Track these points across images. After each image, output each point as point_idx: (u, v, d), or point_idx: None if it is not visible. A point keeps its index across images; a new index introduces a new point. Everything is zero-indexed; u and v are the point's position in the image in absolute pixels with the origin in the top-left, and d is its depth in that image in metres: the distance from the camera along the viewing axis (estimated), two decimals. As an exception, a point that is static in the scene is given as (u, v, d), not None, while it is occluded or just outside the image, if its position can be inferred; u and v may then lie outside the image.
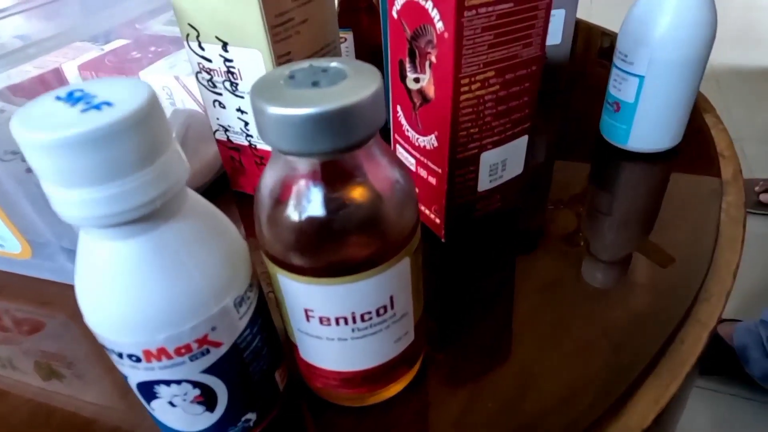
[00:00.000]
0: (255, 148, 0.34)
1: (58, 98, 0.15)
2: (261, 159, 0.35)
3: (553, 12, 0.43)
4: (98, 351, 0.27)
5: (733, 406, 0.93)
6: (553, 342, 0.26)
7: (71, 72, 0.42)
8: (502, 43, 0.26)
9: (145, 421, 0.24)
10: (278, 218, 0.18)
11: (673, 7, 0.32)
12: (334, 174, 0.17)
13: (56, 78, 0.43)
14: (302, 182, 0.17)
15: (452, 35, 0.24)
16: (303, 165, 0.17)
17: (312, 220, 0.17)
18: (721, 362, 0.94)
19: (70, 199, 0.14)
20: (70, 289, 0.31)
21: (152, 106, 0.14)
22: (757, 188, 1.30)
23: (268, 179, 0.18)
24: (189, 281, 0.17)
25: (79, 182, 0.14)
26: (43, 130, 0.13)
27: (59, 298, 0.31)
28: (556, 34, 0.45)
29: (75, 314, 0.30)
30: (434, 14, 0.25)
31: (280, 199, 0.18)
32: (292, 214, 0.17)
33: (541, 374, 0.24)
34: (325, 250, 0.18)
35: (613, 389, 0.23)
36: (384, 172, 0.18)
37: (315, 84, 0.16)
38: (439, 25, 0.24)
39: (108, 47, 0.44)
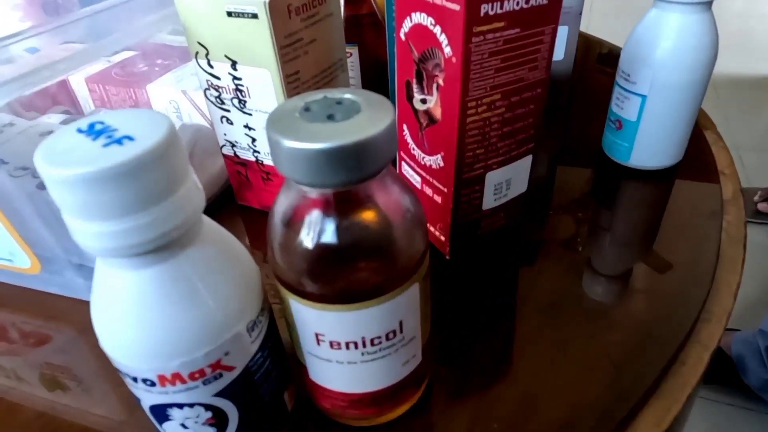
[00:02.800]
0: (262, 163, 0.34)
1: (80, 131, 0.15)
2: (267, 174, 0.35)
3: (556, 29, 0.44)
4: (106, 366, 0.28)
5: (731, 416, 0.93)
6: (556, 362, 0.26)
7: (78, 84, 0.42)
8: (508, 67, 0.26)
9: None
10: (291, 245, 0.18)
11: (675, 30, 0.33)
12: (346, 203, 0.17)
13: (63, 90, 0.43)
14: (315, 211, 0.17)
15: (460, 60, 0.24)
16: (316, 194, 0.17)
17: (324, 248, 0.18)
18: (720, 372, 0.94)
19: (90, 231, 0.15)
20: (79, 303, 0.31)
21: (172, 139, 0.15)
22: (755, 198, 1.31)
23: (281, 206, 0.18)
24: (204, 309, 0.17)
25: (100, 215, 0.14)
26: (66, 166, 0.14)
27: (67, 313, 0.31)
28: (559, 50, 0.45)
29: (83, 329, 0.30)
30: (442, 39, 0.25)
31: (293, 227, 0.18)
32: (305, 241, 0.18)
33: (544, 395, 0.25)
34: (337, 277, 0.18)
35: (615, 411, 0.24)
36: (395, 200, 0.18)
37: (330, 117, 0.16)
38: (447, 50, 0.25)
39: (115, 58, 0.44)
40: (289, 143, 0.16)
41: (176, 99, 0.39)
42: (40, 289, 0.32)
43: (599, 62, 0.60)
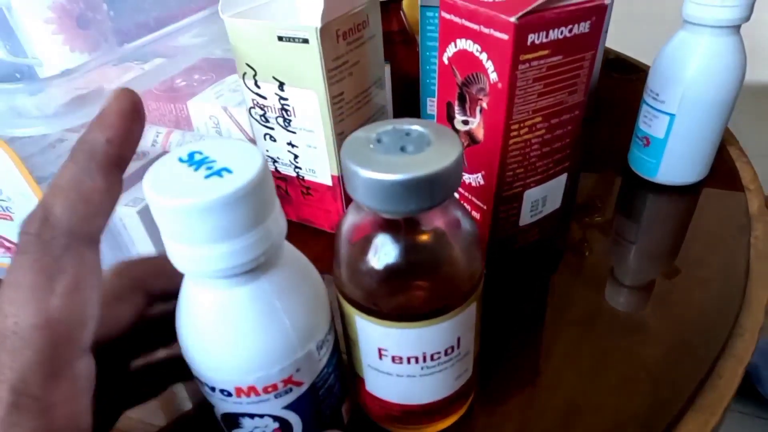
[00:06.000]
0: (302, 179, 0.36)
1: (181, 160, 0.16)
2: (307, 189, 0.36)
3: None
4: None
5: (744, 425, 0.93)
6: (595, 375, 0.27)
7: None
8: (550, 92, 0.27)
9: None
10: (358, 265, 0.19)
11: (705, 50, 0.34)
12: (413, 228, 0.19)
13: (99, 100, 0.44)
14: (384, 234, 0.19)
15: (506, 86, 0.26)
16: (386, 219, 0.18)
17: (391, 269, 0.19)
18: (733, 380, 0.94)
19: (186, 255, 0.16)
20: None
21: (265, 172, 0.16)
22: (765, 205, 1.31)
23: (349, 226, 0.19)
24: (281, 328, 0.18)
25: (197, 241, 0.15)
26: (174, 196, 0.15)
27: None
28: (584, 66, 0.46)
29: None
30: (488, 65, 0.26)
31: (362, 248, 0.19)
32: (373, 262, 0.19)
33: (585, 408, 0.26)
34: (402, 297, 0.19)
35: (655, 425, 0.25)
36: (456, 225, 0.20)
37: (402, 149, 0.17)
38: (493, 76, 0.26)
39: (147, 67, 0.46)
40: (367, 174, 0.17)
41: (216, 115, 0.40)
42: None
43: (607, 63, 0.61)
